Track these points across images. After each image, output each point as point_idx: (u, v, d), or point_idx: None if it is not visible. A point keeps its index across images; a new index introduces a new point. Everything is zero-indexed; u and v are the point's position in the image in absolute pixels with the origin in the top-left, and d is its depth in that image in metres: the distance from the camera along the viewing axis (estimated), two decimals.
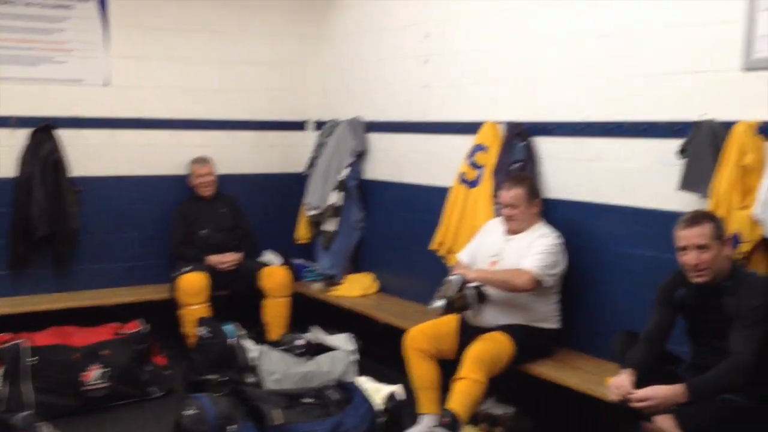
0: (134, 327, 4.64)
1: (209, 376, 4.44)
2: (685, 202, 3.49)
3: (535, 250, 3.86)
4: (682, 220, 3.11)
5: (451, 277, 3.94)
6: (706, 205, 3.35)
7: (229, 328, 4.74)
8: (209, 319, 4.86)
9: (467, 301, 3.90)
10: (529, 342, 3.84)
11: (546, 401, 4.00)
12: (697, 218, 3.08)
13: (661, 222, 3.60)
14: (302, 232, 5.83)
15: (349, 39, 5.73)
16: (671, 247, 3.24)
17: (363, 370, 4.50)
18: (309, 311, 5.36)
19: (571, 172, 4.11)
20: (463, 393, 3.62)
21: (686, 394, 2.93)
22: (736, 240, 3.20)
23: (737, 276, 3.07)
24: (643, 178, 3.75)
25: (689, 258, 3.05)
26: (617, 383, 3.11)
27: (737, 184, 3.25)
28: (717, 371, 2.95)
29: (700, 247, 3.02)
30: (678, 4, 3.57)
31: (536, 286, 3.81)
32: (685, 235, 3.06)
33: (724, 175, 3.28)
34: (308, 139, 6.05)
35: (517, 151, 4.30)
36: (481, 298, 3.93)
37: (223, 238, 5.39)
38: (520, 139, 4.30)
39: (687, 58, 3.54)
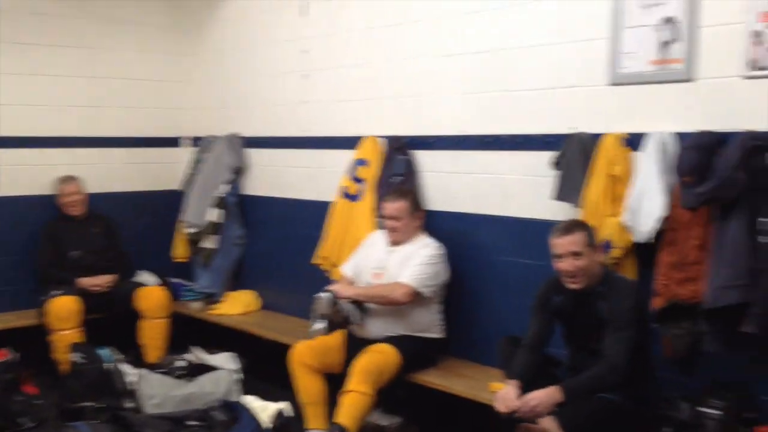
0: (1, 356, 4.39)
1: (85, 404, 4.23)
2: (560, 212, 3.65)
3: (414, 261, 3.92)
4: (556, 229, 3.25)
5: (321, 294, 3.96)
6: (578, 214, 3.52)
7: (104, 352, 4.56)
8: (83, 344, 4.66)
9: (346, 314, 3.92)
10: (415, 352, 3.90)
11: (432, 409, 4.06)
12: (570, 227, 3.22)
13: (538, 231, 3.74)
14: (180, 251, 5.68)
15: (226, 54, 5.67)
16: (548, 255, 3.38)
17: (248, 389, 4.42)
18: (189, 331, 5.22)
19: (451, 184, 4.22)
20: (351, 406, 3.63)
21: (561, 394, 3.05)
22: (607, 246, 3.37)
23: (609, 281, 3.23)
24: (520, 189, 3.90)
25: (564, 265, 3.19)
26: (503, 396, 3.18)
27: (607, 193, 3.43)
28: (591, 373, 3.09)
29: (575, 254, 3.16)
30: (548, 23, 3.75)
31: (415, 298, 3.87)
32: (560, 243, 3.20)
33: (595, 185, 3.46)
34: (183, 155, 5.92)
35: (397, 165, 4.37)
36: (362, 309, 3.96)
37: (95, 260, 5.17)
38: (400, 152, 4.37)
39: (558, 74, 3.72)
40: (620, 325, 3.11)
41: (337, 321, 3.94)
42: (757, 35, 3.01)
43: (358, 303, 3.96)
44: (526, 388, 3.18)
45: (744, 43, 3.05)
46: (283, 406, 3.94)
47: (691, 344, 3.17)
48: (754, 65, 3.02)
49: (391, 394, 3.90)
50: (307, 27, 5.00)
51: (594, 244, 3.22)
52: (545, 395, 3.05)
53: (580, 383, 3.09)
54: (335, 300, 3.93)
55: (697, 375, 3.24)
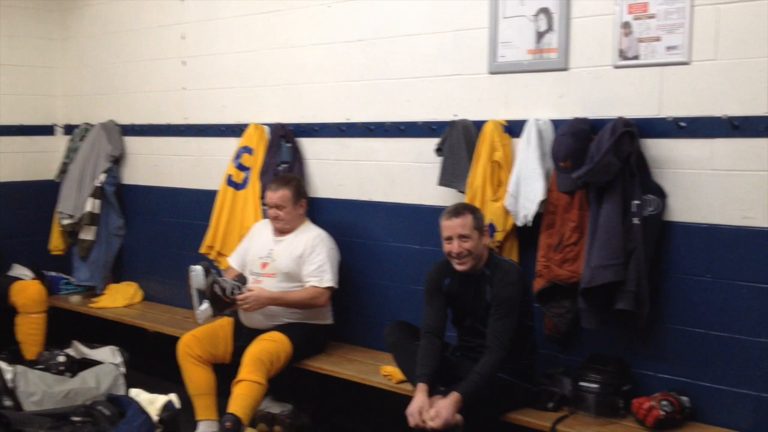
0: None
1: None
2: (445, 197, 3.74)
3: (316, 260, 3.92)
4: (446, 212, 3.32)
5: (195, 267, 3.83)
6: (463, 199, 3.61)
7: None
8: None
9: (224, 285, 3.81)
10: (306, 339, 3.91)
11: (324, 395, 4.09)
12: (459, 210, 3.30)
13: (424, 216, 3.84)
14: (56, 243, 5.45)
15: (99, 40, 5.45)
16: (434, 240, 3.46)
17: (134, 383, 4.29)
18: (69, 326, 5.03)
19: (337, 171, 4.24)
20: (244, 395, 3.60)
21: (462, 402, 3.09)
22: (491, 230, 3.48)
23: (494, 264, 3.33)
24: (405, 176, 3.96)
25: (452, 247, 3.27)
26: (413, 411, 3.14)
27: (490, 178, 3.53)
28: (479, 371, 3.14)
29: (462, 237, 3.24)
30: (430, 12, 3.81)
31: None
32: (449, 225, 3.27)
33: (478, 171, 3.55)
34: (58, 144, 5.67)
35: (283, 153, 4.34)
36: (241, 279, 3.90)
37: None
38: (285, 140, 4.35)
39: (440, 63, 3.79)
40: (504, 311, 3.20)
41: (219, 299, 3.80)
42: (626, 26, 3.16)
43: (240, 277, 3.90)
44: (435, 376, 3.24)
45: (614, 33, 3.20)
46: (172, 398, 3.86)
47: (571, 322, 3.32)
48: (624, 55, 3.18)
49: (281, 382, 3.89)
50: (185, 12, 4.88)
51: (482, 227, 3.30)
52: (447, 408, 3.07)
53: (476, 385, 3.13)
54: (211, 272, 3.82)
55: (578, 351, 3.39)
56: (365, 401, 3.89)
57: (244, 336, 3.91)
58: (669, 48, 3.06)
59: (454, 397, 3.09)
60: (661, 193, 3.11)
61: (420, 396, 3.17)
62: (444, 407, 3.07)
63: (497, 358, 3.16)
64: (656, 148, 3.13)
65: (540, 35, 3.42)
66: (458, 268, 3.30)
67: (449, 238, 3.27)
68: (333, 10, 4.18)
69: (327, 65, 4.24)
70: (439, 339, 3.37)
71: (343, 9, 4.14)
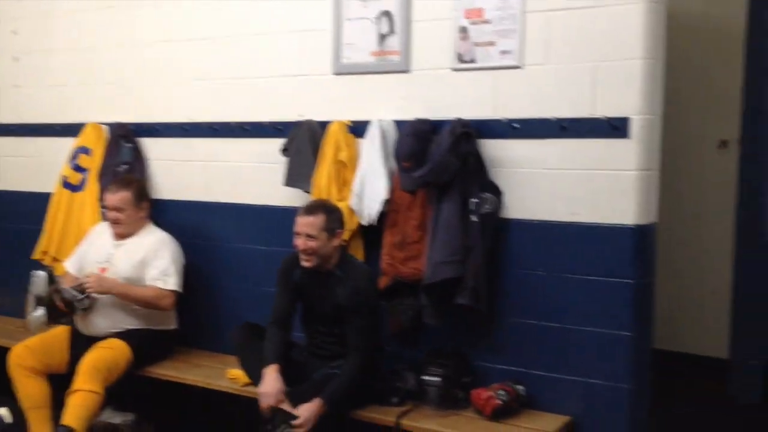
0: None
1: None
2: (291, 198, 3.73)
3: (160, 265, 3.80)
4: (303, 207, 3.30)
5: (38, 272, 3.69)
6: (309, 199, 3.60)
7: None
8: None
9: (68, 299, 3.66)
10: (147, 345, 3.77)
11: (168, 403, 3.96)
12: (312, 208, 3.28)
13: (271, 217, 3.81)
14: None
15: None
16: (283, 241, 3.44)
17: None
18: None
19: (182, 172, 4.14)
20: (79, 406, 3.43)
21: (325, 406, 3.10)
22: None
23: (347, 266, 3.33)
24: (252, 176, 3.92)
25: (298, 242, 3.26)
26: (267, 390, 3.14)
27: (335, 178, 3.55)
28: (343, 375, 3.17)
29: (309, 236, 3.24)
30: (275, 12, 3.80)
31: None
32: (299, 222, 3.26)
33: (323, 171, 3.57)
34: None
35: (123, 153, 4.20)
36: (88, 296, 3.73)
37: None
38: (126, 140, 4.20)
39: (286, 63, 3.78)
40: (362, 315, 3.23)
41: (57, 307, 3.64)
42: (463, 31, 3.27)
43: (83, 290, 3.72)
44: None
45: (452, 37, 3.30)
46: (3, 412, 3.65)
47: (414, 318, 3.39)
48: (461, 58, 3.29)
49: (122, 390, 3.74)
50: (17, 6, 4.63)
51: (333, 229, 3.28)
52: (314, 410, 3.07)
53: (340, 389, 3.14)
54: (55, 280, 3.65)
55: (421, 346, 3.46)
56: (213, 407, 3.80)
57: (81, 344, 3.73)
58: (503, 52, 3.19)
59: (316, 402, 3.09)
60: (497, 192, 3.23)
61: (271, 375, 3.16)
62: (308, 412, 3.06)
63: (361, 362, 3.19)
64: (493, 148, 3.25)
65: (382, 37, 3.48)
66: (303, 263, 3.29)
67: (297, 233, 3.26)
68: (176, 7, 4.08)
69: (170, 63, 4.13)
70: (284, 330, 3.37)
71: (187, 6, 4.06)
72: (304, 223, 3.24)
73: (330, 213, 3.30)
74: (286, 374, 3.23)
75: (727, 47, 4.40)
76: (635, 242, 3.01)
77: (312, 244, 3.24)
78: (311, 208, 3.28)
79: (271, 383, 3.15)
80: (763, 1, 3.92)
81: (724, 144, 4.53)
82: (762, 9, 3.92)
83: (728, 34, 4.39)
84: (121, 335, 3.73)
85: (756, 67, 3.98)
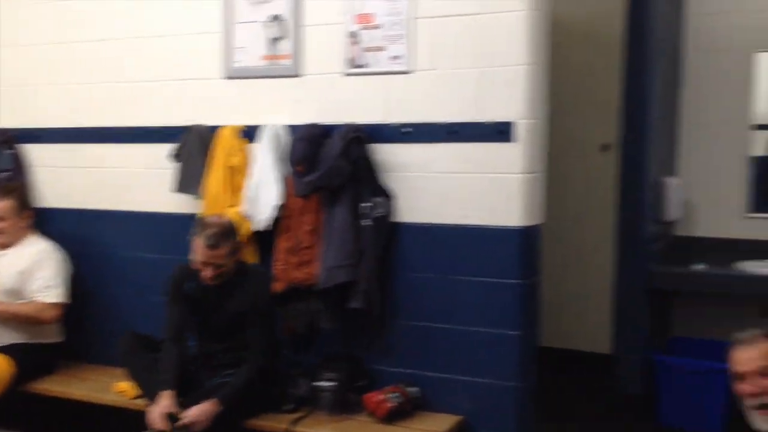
0: None
1: None
2: (181, 204, 3.66)
3: (43, 275, 3.67)
4: (205, 237, 3.14)
5: None
6: (199, 205, 3.55)
7: None
8: None
9: None
10: (31, 359, 3.63)
11: (54, 419, 3.82)
12: (215, 239, 3.14)
13: (161, 224, 3.74)
14: None
15: None
16: (172, 249, 3.38)
17: None
18: None
19: (67, 179, 4.00)
20: None
21: (218, 406, 3.05)
22: None
23: (244, 271, 3.30)
24: (141, 183, 3.83)
25: (207, 273, 3.16)
26: (160, 413, 3.04)
27: (226, 184, 3.51)
28: (239, 377, 3.13)
29: (217, 265, 3.15)
30: (164, 14, 3.73)
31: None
32: (207, 254, 3.14)
33: (214, 177, 3.52)
34: None
35: (4, 160, 4.03)
36: None
37: None
38: (6, 146, 4.04)
39: (176, 66, 3.71)
40: (261, 318, 3.22)
41: None
42: (353, 36, 3.30)
43: None
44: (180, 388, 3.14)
45: (343, 42, 3.32)
46: None
47: (308, 323, 3.38)
48: (352, 63, 3.31)
49: (5, 407, 3.58)
50: None
51: (236, 250, 3.24)
52: (202, 412, 3.02)
53: (235, 390, 3.10)
54: None
55: (315, 352, 3.46)
56: (101, 421, 3.68)
57: None
58: (393, 57, 3.23)
59: (210, 402, 3.04)
60: (389, 196, 3.27)
61: (165, 401, 3.08)
62: (196, 413, 3.01)
63: (257, 366, 3.16)
64: (384, 152, 3.28)
65: (274, 41, 3.47)
66: (208, 282, 3.22)
67: (205, 264, 3.16)
68: (61, 8, 3.95)
69: (54, 66, 4.00)
70: (179, 346, 3.29)
71: (71, 7, 3.93)
72: (212, 256, 3.15)
73: (232, 237, 3.22)
74: (179, 388, 3.16)
75: (608, 54, 4.59)
76: (521, 243, 3.10)
77: (220, 270, 3.18)
78: (215, 240, 3.14)
79: (161, 409, 3.06)
80: (639, 9, 4.10)
81: (605, 147, 4.72)
82: (639, 17, 4.11)
83: (609, 41, 4.59)
84: (3, 350, 3.58)
85: (633, 73, 4.17)
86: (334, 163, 3.17)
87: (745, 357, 2.21)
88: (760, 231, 4.47)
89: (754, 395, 2.18)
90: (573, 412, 4.22)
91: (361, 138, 3.24)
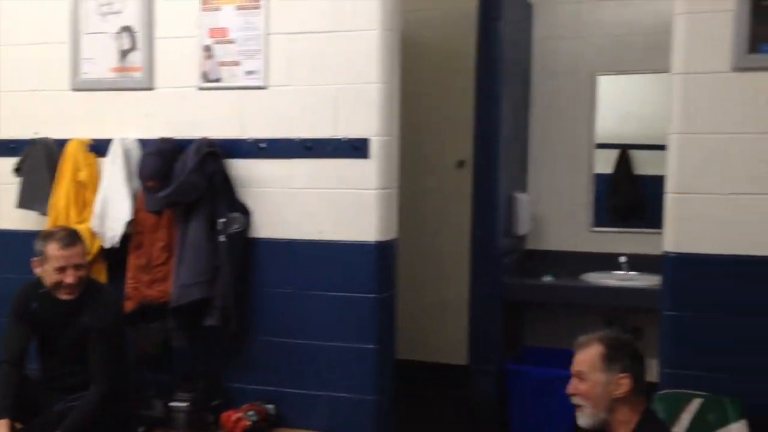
0: None
1: None
2: (25, 220, 3.50)
3: None
4: (56, 238, 3.01)
5: None
6: (45, 222, 3.40)
7: None
8: None
9: None
10: None
11: None
12: (70, 238, 3.02)
13: (4, 242, 3.54)
14: None
15: None
16: (14, 267, 3.21)
17: None
18: None
19: None
20: None
21: None
22: None
23: (92, 289, 3.14)
24: None
25: (68, 277, 2.99)
26: None
27: (74, 199, 3.39)
28: (85, 405, 2.98)
29: (77, 266, 3.01)
30: (9, 22, 3.58)
31: None
32: (65, 254, 2.99)
33: (62, 191, 3.39)
34: None
35: None
36: None
37: None
38: None
39: (20, 77, 3.56)
40: (107, 338, 3.07)
41: None
42: (207, 50, 3.26)
43: None
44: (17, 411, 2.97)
45: (197, 56, 3.28)
46: None
47: (162, 342, 3.30)
48: (207, 77, 3.28)
49: None
50: None
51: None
52: None
53: (79, 418, 2.95)
54: None
55: (170, 371, 3.37)
56: None
57: None
58: (248, 72, 3.22)
59: None
60: (245, 211, 3.24)
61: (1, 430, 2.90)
62: None
63: (103, 390, 3.01)
64: (240, 168, 3.26)
65: (124, 53, 3.38)
66: (66, 296, 3.05)
67: (64, 267, 3.00)
68: None
69: None
70: (19, 369, 3.10)
71: None
72: (72, 255, 3.00)
73: (82, 240, 3.11)
74: (19, 414, 2.99)
75: (463, 74, 4.74)
76: (377, 258, 3.15)
77: (81, 273, 3.03)
78: (69, 239, 3.02)
79: None
80: (488, 33, 4.27)
81: (461, 164, 4.86)
82: (487, 41, 4.27)
83: (463, 62, 4.73)
84: None
85: (484, 94, 4.32)
86: (188, 179, 3.11)
87: (575, 359, 2.36)
88: (604, 244, 4.72)
89: (571, 395, 2.33)
90: (431, 423, 4.30)
91: (217, 153, 3.20)
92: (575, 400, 2.33)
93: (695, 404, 2.78)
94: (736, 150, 2.81)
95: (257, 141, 3.23)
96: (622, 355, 2.30)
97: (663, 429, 2.44)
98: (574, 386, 2.33)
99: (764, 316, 2.80)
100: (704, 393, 2.81)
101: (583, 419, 2.32)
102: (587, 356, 2.32)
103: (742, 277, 2.83)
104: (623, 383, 2.26)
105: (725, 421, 2.72)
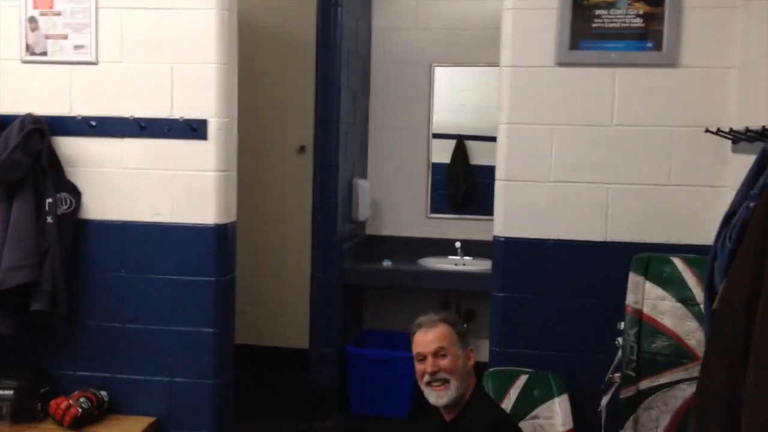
0: None
1: None
2: None
3: None
4: None
5: None
6: None
7: None
8: None
9: None
10: None
11: None
12: None
13: None
14: None
15: None
16: None
17: None
18: None
19: None
20: None
21: None
22: None
23: None
24: None
25: None
26: None
27: None
28: None
29: None
30: None
31: None
32: None
33: None
34: None
35: None
36: None
37: None
38: None
39: None
40: None
41: None
42: (32, 21, 3.09)
43: None
44: None
45: (21, 27, 3.10)
46: None
47: None
48: (31, 50, 3.11)
49: None
50: None
51: None
52: None
53: None
54: None
55: None
56: None
57: None
58: (77, 47, 3.08)
59: None
60: (75, 192, 3.11)
61: None
62: None
63: None
64: (69, 146, 3.12)
65: None
66: None
67: None
68: None
69: None
70: None
71: None
72: None
73: None
74: None
75: (304, 60, 4.77)
76: (215, 241, 3.11)
77: None
78: None
79: None
80: (328, 21, 4.31)
81: (302, 149, 4.89)
82: (327, 28, 4.32)
83: (304, 47, 4.77)
84: None
85: (324, 80, 4.37)
86: (11, 156, 2.94)
87: (425, 339, 2.44)
88: (440, 230, 4.92)
89: (431, 373, 2.40)
90: (271, 407, 4.32)
91: (43, 130, 3.05)
92: (439, 377, 2.38)
93: (522, 380, 2.95)
94: (559, 140, 2.99)
95: (87, 119, 3.10)
96: (464, 332, 2.46)
97: (490, 398, 2.59)
98: (433, 364, 2.39)
99: (584, 297, 3.00)
100: (530, 370, 2.98)
101: (446, 396, 2.39)
102: (442, 334, 2.42)
103: (564, 260, 3.01)
104: (472, 356, 2.43)
105: (550, 396, 2.91)
